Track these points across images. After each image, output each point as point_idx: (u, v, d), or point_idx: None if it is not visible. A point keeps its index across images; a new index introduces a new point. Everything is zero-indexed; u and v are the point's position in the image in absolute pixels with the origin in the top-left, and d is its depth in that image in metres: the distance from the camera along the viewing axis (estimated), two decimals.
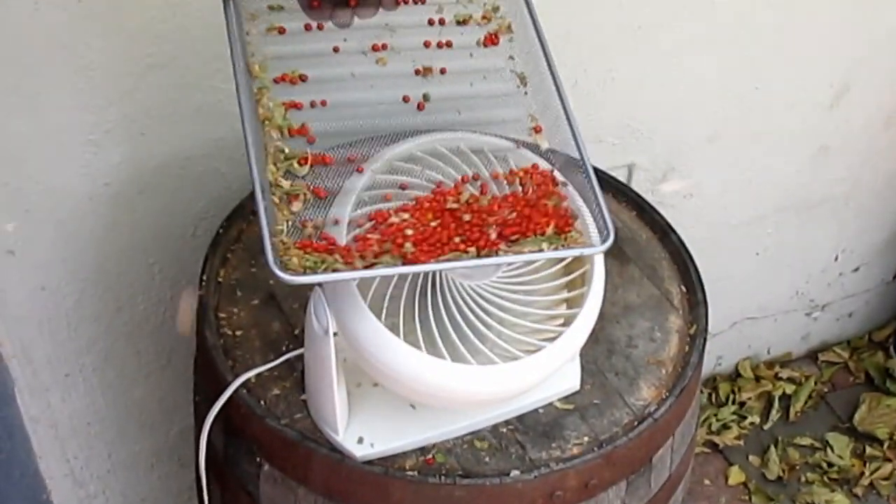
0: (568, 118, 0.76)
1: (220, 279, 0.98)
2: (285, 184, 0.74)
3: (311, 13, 0.74)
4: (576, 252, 0.72)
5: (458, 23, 0.82)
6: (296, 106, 0.76)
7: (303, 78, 0.77)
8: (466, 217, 0.73)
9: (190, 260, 1.15)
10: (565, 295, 0.83)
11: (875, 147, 1.55)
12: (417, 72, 0.80)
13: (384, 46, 0.79)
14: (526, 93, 0.80)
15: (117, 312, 1.18)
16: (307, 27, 0.78)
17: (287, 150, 0.75)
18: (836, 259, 1.70)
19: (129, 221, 1.12)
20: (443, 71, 0.80)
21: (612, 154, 1.30)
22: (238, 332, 0.94)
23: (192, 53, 1.02)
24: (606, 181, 1.08)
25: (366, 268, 0.69)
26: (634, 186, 1.26)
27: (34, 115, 1.00)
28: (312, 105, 0.77)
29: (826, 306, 1.77)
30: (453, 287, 0.79)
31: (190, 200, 1.13)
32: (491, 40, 0.82)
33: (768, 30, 1.29)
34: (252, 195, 0.71)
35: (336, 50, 0.79)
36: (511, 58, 0.81)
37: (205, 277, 0.96)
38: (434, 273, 0.78)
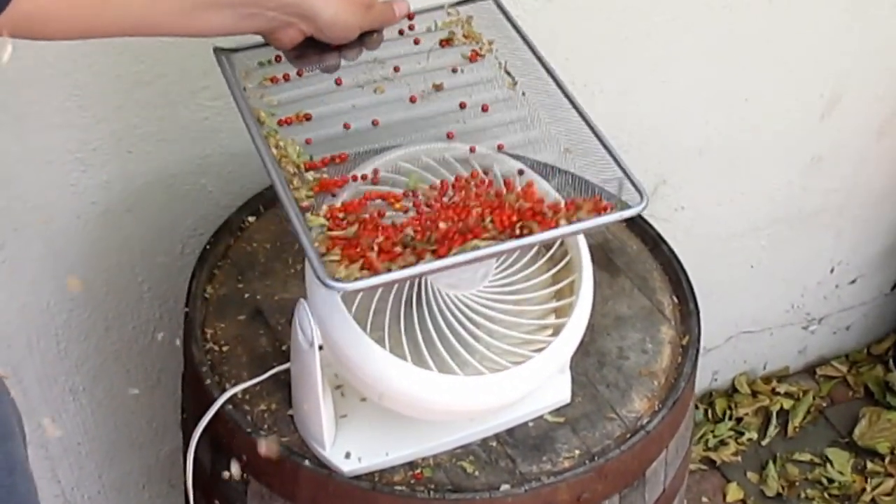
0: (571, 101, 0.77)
1: (206, 295, 0.97)
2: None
3: (298, 62, 0.77)
4: (617, 216, 0.72)
5: (442, 44, 0.83)
6: (307, 141, 0.77)
7: (307, 117, 0.78)
8: (477, 209, 0.73)
9: (178, 278, 1.14)
10: (554, 304, 0.82)
11: (869, 157, 1.54)
12: (413, 99, 0.81)
13: (394, 71, 0.80)
14: (524, 93, 0.81)
15: (106, 331, 1.17)
16: (299, 73, 0.80)
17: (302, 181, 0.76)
18: (832, 271, 1.69)
19: (118, 240, 1.12)
20: (438, 87, 0.81)
21: (602, 166, 1.29)
22: (225, 348, 0.93)
23: (178, 71, 1.02)
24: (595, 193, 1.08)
25: (403, 267, 0.68)
26: (624, 199, 1.25)
27: (21, 133, 1.00)
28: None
29: (823, 319, 1.76)
30: (439, 298, 0.78)
31: (177, 218, 1.13)
32: (476, 54, 0.83)
33: (758, 40, 1.29)
34: (288, 221, 0.71)
35: (337, 83, 0.80)
36: (500, 65, 0.82)
37: (191, 293, 0.96)
38: (420, 283, 0.78)
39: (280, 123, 0.78)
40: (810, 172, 1.50)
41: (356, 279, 0.67)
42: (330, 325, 0.76)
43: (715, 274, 1.53)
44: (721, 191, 1.46)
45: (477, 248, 0.68)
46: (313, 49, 0.76)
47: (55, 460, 1.24)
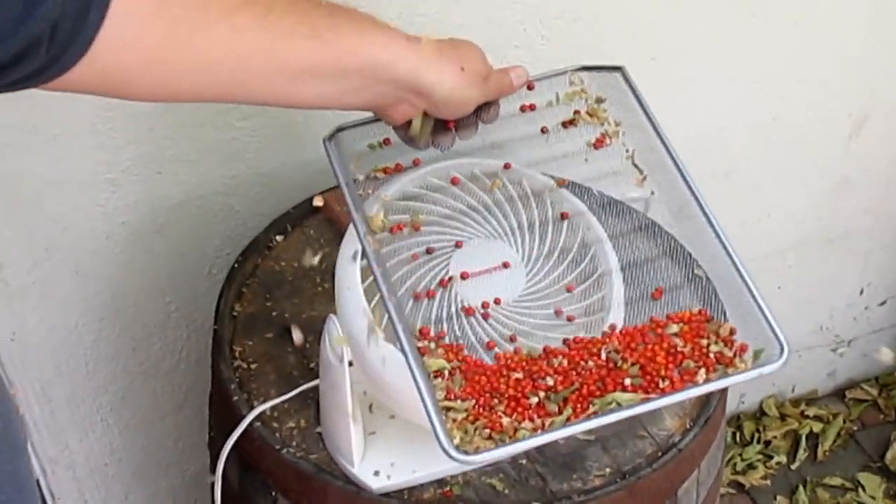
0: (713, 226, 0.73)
1: (234, 313, 0.98)
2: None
3: (411, 144, 0.71)
4: (755, 373, 0.65)
5: (565, 125, 0.77)
6: (413, 257, 0.73)
7: (416, 227, 0.73)
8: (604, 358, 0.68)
9: (205, 298, 1.15)
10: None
11: None
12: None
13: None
14: (652, 192, 0.77)
15: (133, 352, 1.18)
16: (415, 163, 0.75)
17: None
18: (862, 293, 1.66)
19: (146, 260, 1.12)
20: (561, 183, 0.76)
21: (628, 187, 1.29)
22: (253, 366, 0.93)
23: None
24: (624, 211, 1.07)
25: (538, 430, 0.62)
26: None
27: (53, 155, 1.01)
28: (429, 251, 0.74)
29: (852, 342, 1.73)
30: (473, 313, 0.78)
31: (205, 238, 1.13)
32: (601, 141, 0.77)
33: (784, 59, 1.29)
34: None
35: (454, 181, 0.75)
36: (626, 153, 0.76)
37: (220, 311, 0.96)
38: (452, 298, 0.77)
39: (392, 231, 0.72)
40: (838, 193, 1.49)
41: (484, 449, 0.61)
42: (359, 340, 0.76)
43: None
44: (747, 212, 1.45)
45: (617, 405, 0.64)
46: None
47: (82, 481, 1.23)
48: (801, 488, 1.61)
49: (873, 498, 1.60)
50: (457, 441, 0.62)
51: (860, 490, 1.61)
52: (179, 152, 1.07)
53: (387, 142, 0.75)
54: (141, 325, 1.16)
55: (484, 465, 0.85)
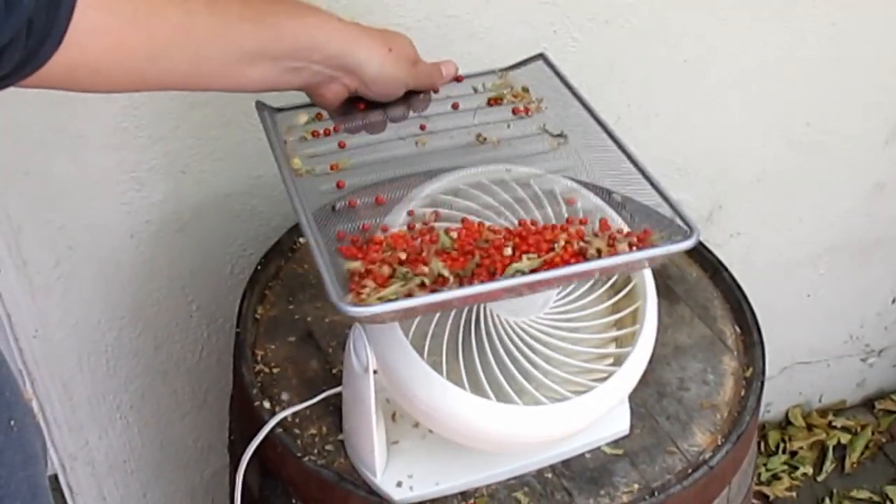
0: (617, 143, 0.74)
1: (257, 316, 0.96)
2: None
3: (342, 120, 0.75)
4: (664, 250, 0.67)
5: (490, 103, 0.81)
6: (339, 185, 0.74)
7: (343, 167, 0.76)
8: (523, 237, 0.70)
9: (227, 298, 1.14)
10: (614, 333, 0.80)
11: None
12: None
13: (422, 127, 0.79)
14: (574, 147, 0.78)
15: (155, 350, 1.17)
16: (336, 129, 0.78)
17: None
18: (894, 301, 1.63)
19: (169, 259, 1.11)
20: (483, 140, 0.79)
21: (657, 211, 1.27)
22: (275, 370, 0.92)
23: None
24: (651, 217, 1.05)
25: (433, 291, 0.64)
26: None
27: (79, 154, 1.01)
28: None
29: (883, 351, 1.70)
30: (498, 324, 0.76)
31: (228, 238, 1.12)
32: (526, 110, 0.80)
33: (819, 62, 1.26)
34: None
35: (378, 133, 0.78)
36: (548, 122, 0.79)
37: (242, 313, 0.95)
38: (478, 308, 0.76)
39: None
40: (872, 199, 1.46)
41: (376, 302, 0.62)
42: (385, 349, 0.74)
43: (770, 302, 1.48)
44: (779, 217, 1.42)
45: (520, 273, 0.65)
46: (358, 109, 0.74)
47: (101, 478, 1.23)
48: (827, 501, 1.58)
49: None
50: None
51: (888, 503, 1.58)
52: (205, 152, 1.06)
53: (320, 116, 0.78)
54: (163, 323, 1.16)
55: (508, 479, 0.83)
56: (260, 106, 0.78)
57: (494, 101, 0.81)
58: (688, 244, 0.67)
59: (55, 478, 1.20)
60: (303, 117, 0.79)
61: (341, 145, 0.77)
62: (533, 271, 0.66)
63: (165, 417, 1.22)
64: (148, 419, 1.22)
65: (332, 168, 0.75)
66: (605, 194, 0.78)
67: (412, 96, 0.75)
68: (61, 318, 1.10)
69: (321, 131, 0.78)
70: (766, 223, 1.42)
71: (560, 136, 0.79)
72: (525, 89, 0.82)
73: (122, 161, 1.03)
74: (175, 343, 1.18)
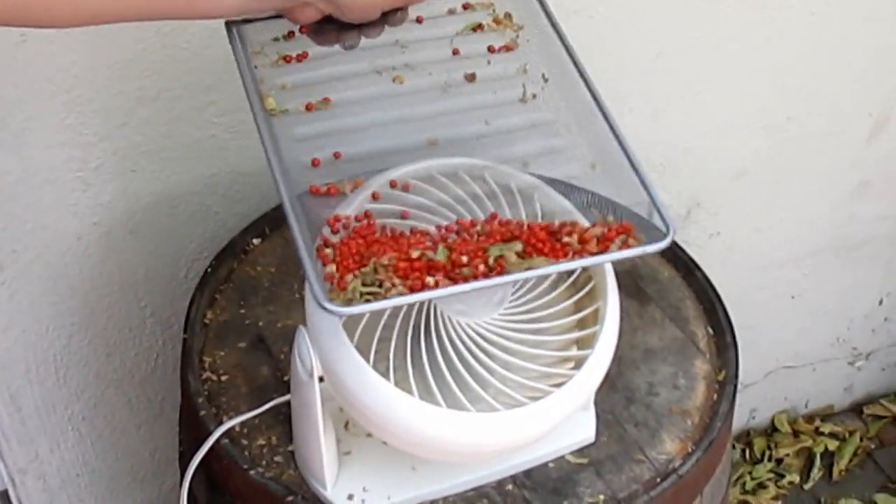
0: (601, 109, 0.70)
1: (206, 320, 0.92)
2: None
3: (316, 39, 0.72)
4: (639, 251, 0.65)
5: (472, 30, 0.78)
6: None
7: (317, 106, 0.73)
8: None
9: (182, 303, 1.09)
10: (577, 334, 0.75)
11: None
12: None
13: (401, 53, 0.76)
14: (552, 96, 0.75)
15: (107, 358, 1.13)
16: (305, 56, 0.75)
17: None
18: (881, 303, 1.60)
19: (119, 262, 1.07)
20: (471, 78, 0.76)
21: (632, 189, 1.23)
22: (224, 378, 0.87)
23: (183, 86, 0.98)
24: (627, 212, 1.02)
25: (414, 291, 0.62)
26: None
27: (22, 151, 0.97)
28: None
29: (871, 355, 1.67)
30: (450, 327, 0.72)
31: (182, 240, 1.09)
32: (507, 47, 0.77)
33: (800, 55, 1.23)
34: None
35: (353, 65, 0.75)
36: (524, 69, 0.76)
37: (190, 318, 0.90)
38: (428, 309, 0.71)
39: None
40: (857, 198, 1.43)
41: (360, 302, 0.60)
42: (330, 354, 0.70)
43: (753, 305, 1.45)
44: (760, 216, 1.39)
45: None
46: (332, 25, 0.70)
47: (53, 493, 1.19)
48: None
49: None
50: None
51: None
52: (154, 149, 1.02)
53: (292, 34, 0.74)
54: (114, 330, 1.12)
55: (467, 491, 0.79)
56: (229, 25, 0.74)
57: (478, 28, 0.78)
58: (664, 244, 0.63)
59: (5, 493, 1.16)
60: (273, 32, 0.75)
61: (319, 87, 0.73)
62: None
63: (120, 428, 1.19)
64: (101, 430, 1.18)
65: (307, 108, 0.72)
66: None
67: (388, 13, 0.71)
68: (6, 326, 1.06)
69: (294, 56, 0.74)
70: (747, 223, 1.39)
71: (542, 79, 0.75)
72: (508, 15, 0.78)
73: (68, 160, 0.99)
74: (128, 350, 1.14)
